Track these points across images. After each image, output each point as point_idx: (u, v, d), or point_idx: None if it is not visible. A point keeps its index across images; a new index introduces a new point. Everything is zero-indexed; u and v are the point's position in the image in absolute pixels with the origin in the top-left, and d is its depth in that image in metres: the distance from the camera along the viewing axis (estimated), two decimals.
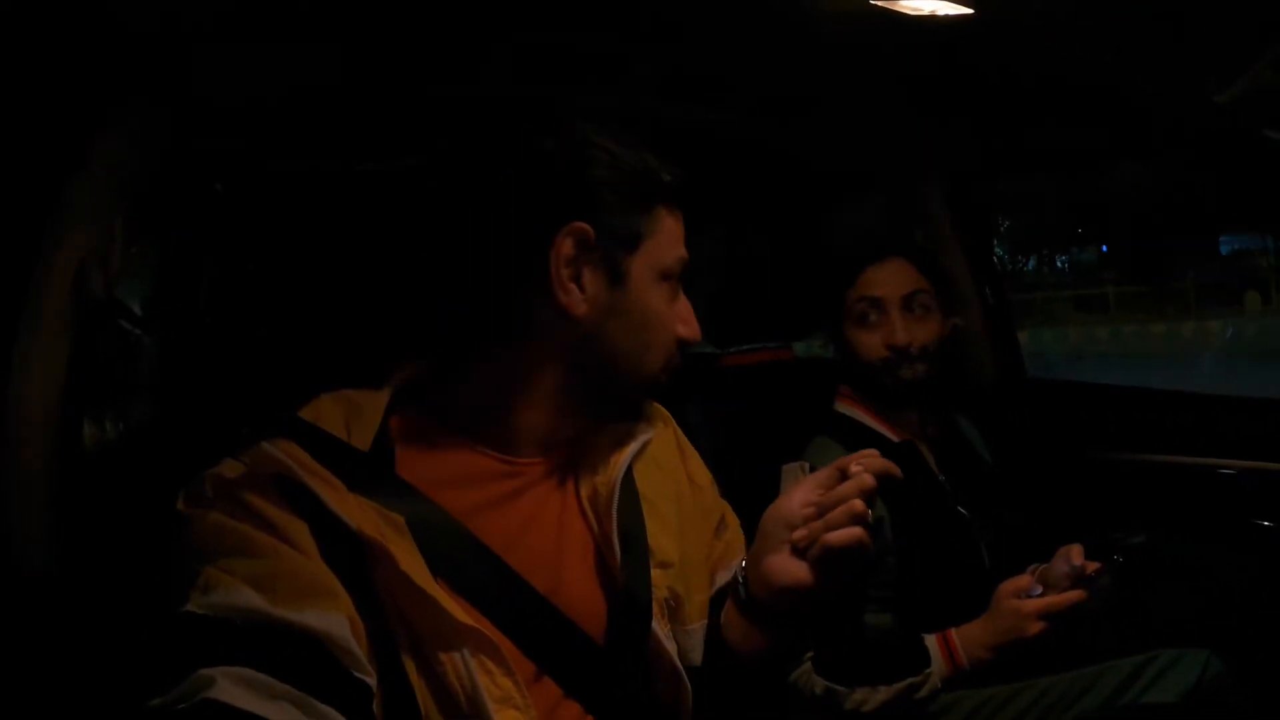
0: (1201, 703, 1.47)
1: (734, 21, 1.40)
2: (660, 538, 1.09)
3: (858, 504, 0.95)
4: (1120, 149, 2.20)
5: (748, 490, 1.29)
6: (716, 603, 1.16)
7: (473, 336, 1.01)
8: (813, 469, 0.98)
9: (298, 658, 0.77)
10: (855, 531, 0.94)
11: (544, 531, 1.02)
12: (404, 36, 1.36)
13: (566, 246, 0.95)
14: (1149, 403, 2.20)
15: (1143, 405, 2.20)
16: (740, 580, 1.07)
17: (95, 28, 1.17)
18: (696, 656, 1.11)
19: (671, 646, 1.06)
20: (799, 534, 0.98)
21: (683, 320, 1.08)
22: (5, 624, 1.19)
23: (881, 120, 1.97)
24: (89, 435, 1.43)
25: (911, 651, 1.54)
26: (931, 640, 1.55)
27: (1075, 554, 1.49)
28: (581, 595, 1.01)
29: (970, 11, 1.31)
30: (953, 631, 1.55)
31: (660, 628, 1.05)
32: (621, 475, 1.06)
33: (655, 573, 1.07)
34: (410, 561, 0.87)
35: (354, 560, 0.86)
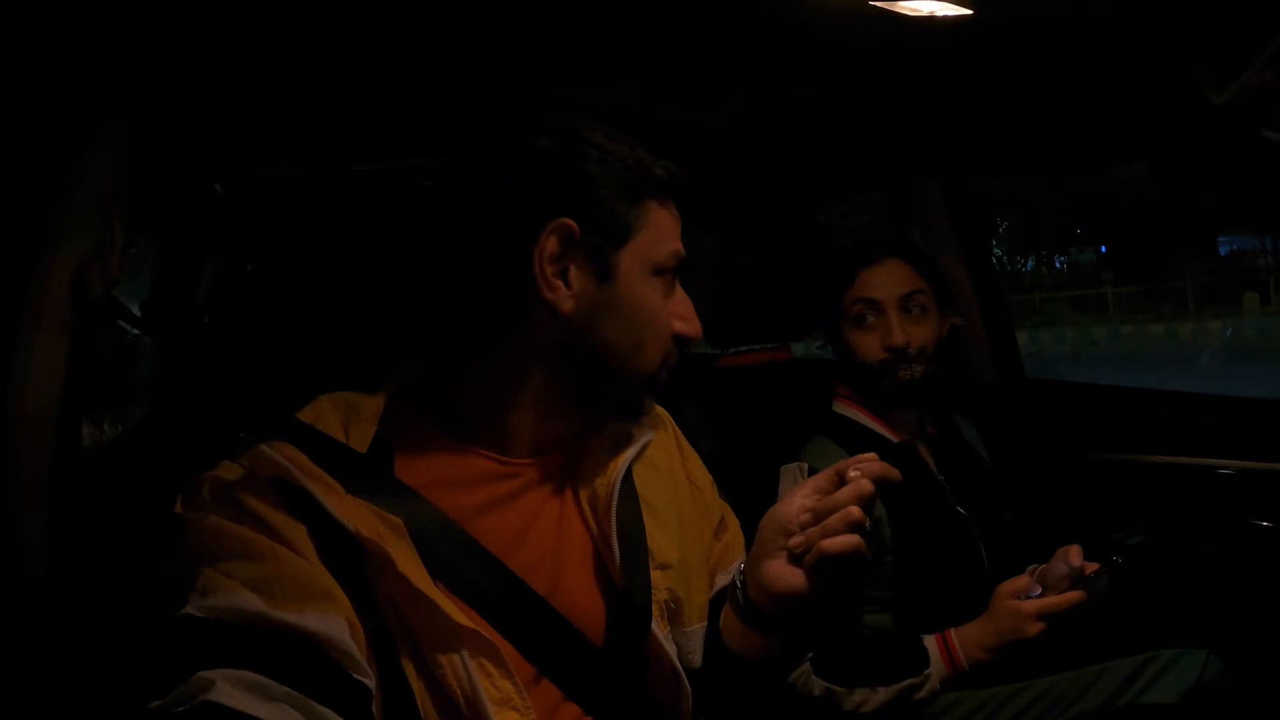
0: (1201, 702, 1.47)
1: (732, 22, 1.40)
2: (660, 539, 1.09)
3: (855, 511, 0.95)
4: (1118, 149, 2.20)
5: (747, 491, 1.29)
6: (716, 604, 1.16)
7: (464, 336, 1.01)
8: (811, 469, 0.98)
9: (297, 660, 0.77)
10: (851, 539, 0.94)
11: (543, 533, 1.02)
12: (401, 37, 1.36)
13: (551, 244, 0.95)
14: (1147, 403, 2.20)
15: (1141, 406, 2.20)
16: (738, 585, 1.07)
17: (90, 29, 1.17)
18: (696, 658, 1.11)
19: (671, 648, 1.06)
20: (795, 540, 0.98)
21: (680, 316, 1.05)
22: (5, 625, 1.19)
23: (879, 120, 1.97)
24: (87, 436, 1.43)
25: (910, 652, 1.54)
26: (930, 641, 1.55)
27: (1074, 554, 1.48)
28: (581, 597, 1.01)
29: (969, 12, 1.31)
30: (952, 632, 1.54)
31: (660, 629, 1.05)
32: (621, 477, 1.06)
33: (655, 574, 1.06)
34: (409, 564, 0.87)
35: (352, 562, 0.86)
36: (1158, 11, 1.33)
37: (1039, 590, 1.49)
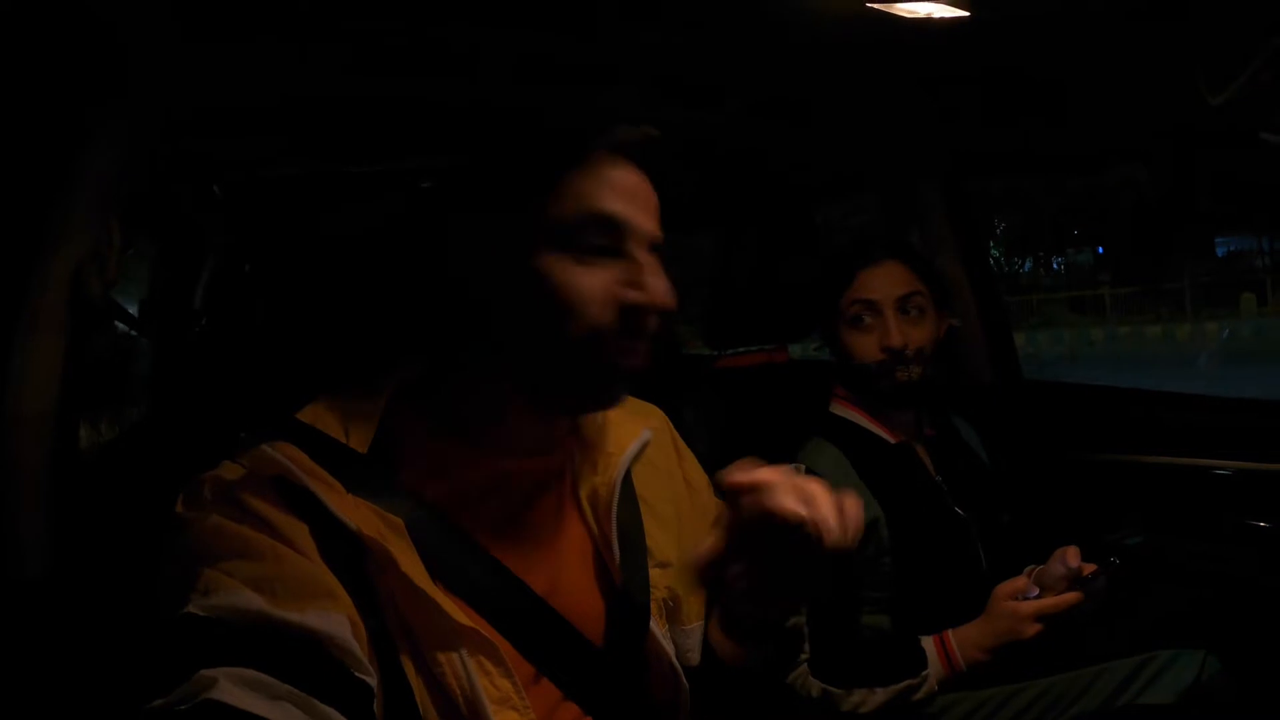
0: (1199, 703, 1.48)
1: (731, 24, 1.40)
2: (658, 538, 1.09)
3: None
4: (1116, 150, 2.21)
5: None
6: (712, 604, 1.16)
7: (462, 336, 1.00)
8: (809, 471, 0.96)
9: (299, 658, 0.77)
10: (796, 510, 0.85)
11: (542, 533, 1.02)
12: (400, 37, 1.36)
13: (457, 235, 0.96)
14: (1145, 404, 2.21)
15: (1138, 406, 2.20)
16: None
17: (90, 29, 1.17)
18: (695, 657, 1.11)
19: (670, 647, 1.06)
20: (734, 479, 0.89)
21: (631, 284, 0.94)
22: (6, 625, 1.19)
23: (878, 121, 1.97)
24: (85, 437, 1.43)
25: (908, 653, 1.54)
26: (928, 642, 1.55)
27: (1072, 555, 1.49)
28: (580, 596, 1.01)
29: (966, 14, 1.31)
30: (949, 633, 1.55)
31: (659, 628, 1.05)
32: (621, 476, 1.06)
33: (653, 573, 1.07)
34: (409, 563, 0.87)
35: (354, 562, 0.86)
36: (1154, 13, 1.33)
37: (1037, 591, 1.50)
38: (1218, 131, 1.72)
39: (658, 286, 0.94)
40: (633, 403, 1.21)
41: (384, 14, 1.28)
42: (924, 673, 1.51)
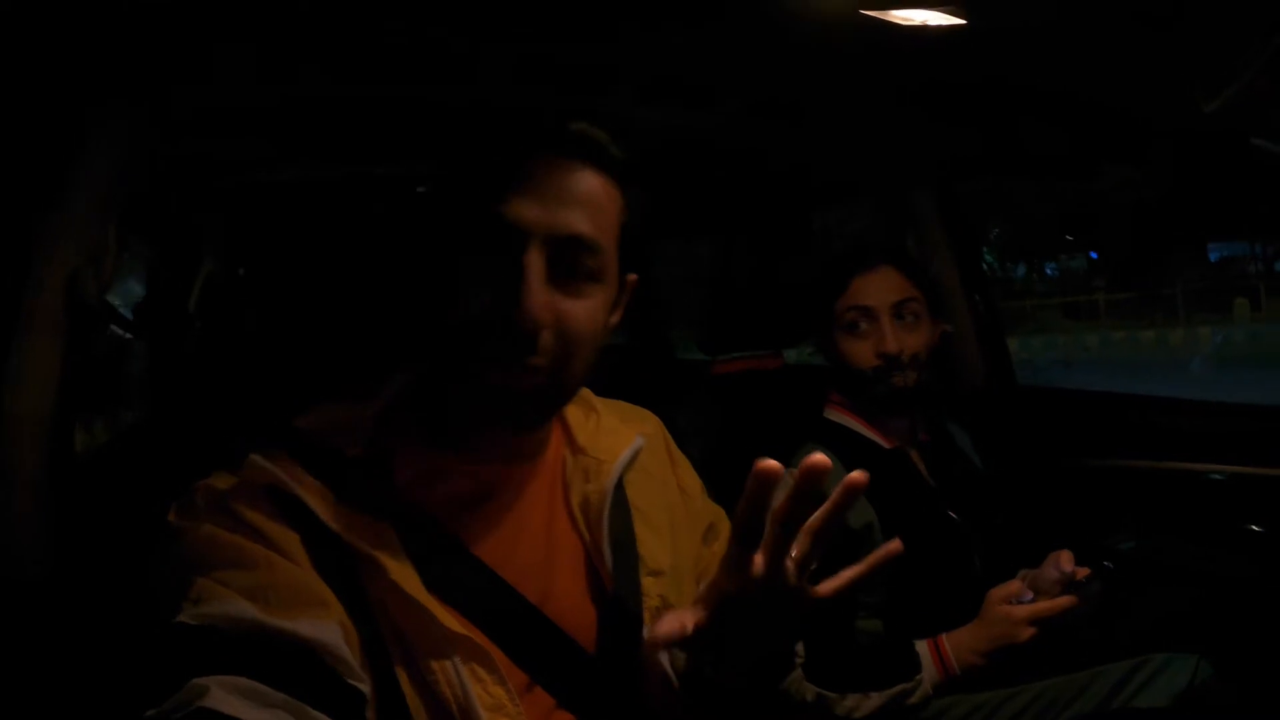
0: (1192, 706, 1.48)
1: (725, 29, 1.40)
2: (652, 545, 1.08)
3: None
4: (1109, 156, 2.21)
5: (738, 499, 1.29)
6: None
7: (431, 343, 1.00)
8: None
9: (291, 666, 0.77)
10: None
11: (535, 540, 1.02)
12: (399, 38, 1.36)
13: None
14: (1138, 409, 2.21)
15: (1133, 411, 2.21)
16: None
17: (89, 29, 1.17)
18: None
19: (663, 655, 1.05)
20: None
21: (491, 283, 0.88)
22: (2, 627, 1.18)
23: (872, 128, 1.98)
24: (82, 439, 1.43)
25: (903, 657, 1.54)
26: (923, 646, 1.55)
27: (1065, 560, 1.49)
28: (572, 604, 1.01)
29: (962, 22, 1.32)
30: (944, 637, 1.55)
31: None
32: (614, 483, 1.06)
33: (646, 581, 1.06)
34: (401, 571, 0.87)
35: (346, 570, 0.86)
36: (1148, 20, 1.34)
37: (1030, 595, 1.50)
38: (1211, 137, 1.73)
39: (519, 295, 0.87)
40: (627, 408, 1.21)
41: (383, 15, 1.28)
42: (918, 677, 1.52)
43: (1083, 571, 1.49)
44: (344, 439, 0.95)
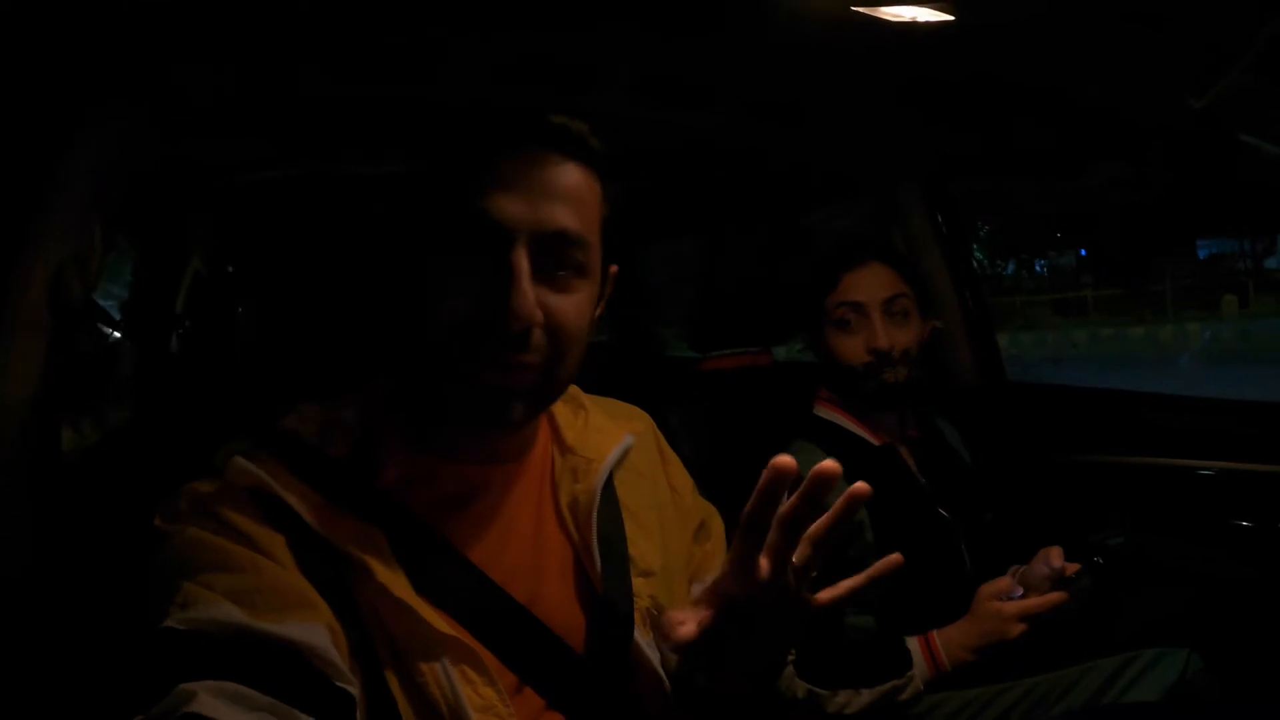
0: (1182, 701, 1.48)
1: (717, 27, 1.40)
2: (642, 545, 1.07)
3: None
4: (1098, 153, 2.22)
5: (728, 496, 1.29)
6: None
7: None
8: None
9: (279, 669, 0.76)
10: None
11: (523, 541, 1.01)
12: (397, 37, 1.36)
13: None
14: (1128, 405, 2.22)
15: (1121, 407, 2.22)
16: None
17: (86, 29, 1.16)
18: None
19: (654, 655, 1.04)
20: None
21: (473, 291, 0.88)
22: None
23: (862, 125, 1.98)
24: (68, 438, 1.42)
25: (893, 654, 1.54)
26: (913, 642, 1.55)
27: (1055, 556, 1.50)
28: (562, 605, 1.00)
29: (951, 19, 1.32)
30: (934, 633, 1.55)
31: (642, 637, 1.04)
32: (602, 483, 1.05)
33: (637, 581, 1.05)
34: (388, 573, 0.86)
35: (333, 572, 0.86)
36: (1138, 17, 1.34)
37: (1020, 591, 1.50)
38: (1199, 134, 1.73)
39: (506, 300, 0.86)
40: (617, 406, 1.20)
41: (380, 15, 1.28)
42: (909, 673, 1.52)
43: (1072, 567, 1.49)
44: (329, 440, 0.94)
